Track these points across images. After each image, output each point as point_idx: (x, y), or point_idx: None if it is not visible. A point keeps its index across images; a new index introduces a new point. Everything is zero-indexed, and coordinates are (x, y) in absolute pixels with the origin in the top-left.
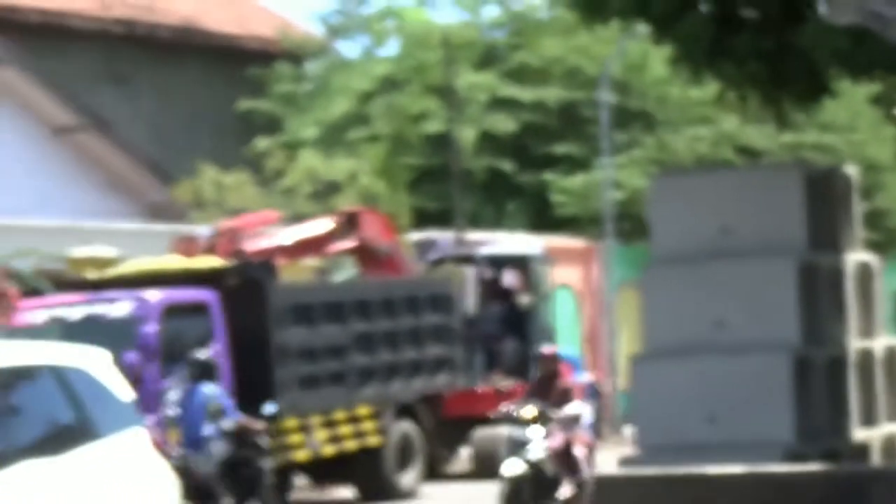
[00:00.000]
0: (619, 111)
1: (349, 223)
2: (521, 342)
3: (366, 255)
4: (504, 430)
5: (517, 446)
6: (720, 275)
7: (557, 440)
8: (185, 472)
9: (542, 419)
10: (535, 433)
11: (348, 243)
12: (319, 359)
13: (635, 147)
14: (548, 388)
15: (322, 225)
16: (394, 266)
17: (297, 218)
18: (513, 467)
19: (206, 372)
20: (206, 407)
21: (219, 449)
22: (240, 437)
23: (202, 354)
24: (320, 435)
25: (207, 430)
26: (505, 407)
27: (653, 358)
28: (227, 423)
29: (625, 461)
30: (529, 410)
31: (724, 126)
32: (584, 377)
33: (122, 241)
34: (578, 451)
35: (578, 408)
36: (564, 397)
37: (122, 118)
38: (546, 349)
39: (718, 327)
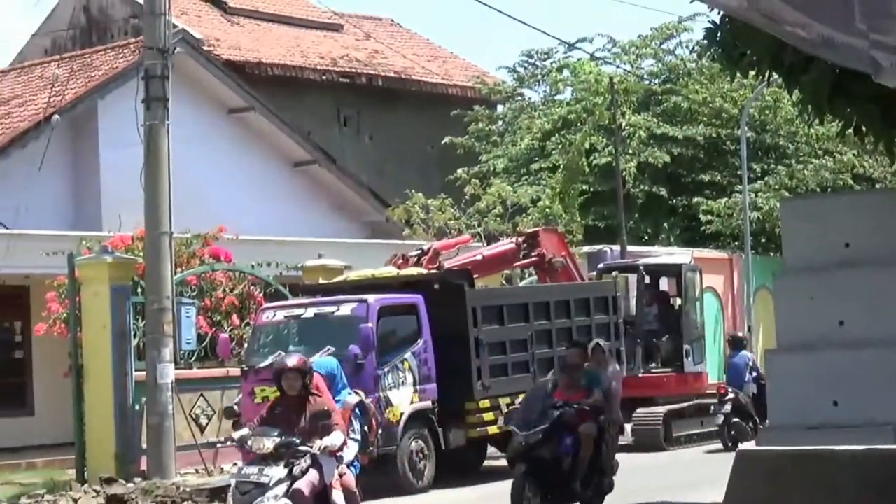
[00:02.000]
0: (756, 145)
1: (530, 241)
2: (674, 337)
3: (544, 267)
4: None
5: (247, 493)
6: (842, 282)
7: (305, 484)
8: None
9: (284, 454)
10: (275, 473)
11: (530, 259)
12: (508, 350)
13: (769, 175)
14: (296, 410)
15: (507, 244)
16: (568, 276)
17: (489, 236)
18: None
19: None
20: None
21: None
22: None
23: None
24: None
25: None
26: (237, 433)
27: (785, 351)
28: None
29: (761, 438)
30: (263, 442)
31: (844, 158)
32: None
33: (347, 254)
34: (337, 498)
35: (338, 439)
36: (320, 424)
37: (347, 153)
38: (291, 360)
39: (841, 326)
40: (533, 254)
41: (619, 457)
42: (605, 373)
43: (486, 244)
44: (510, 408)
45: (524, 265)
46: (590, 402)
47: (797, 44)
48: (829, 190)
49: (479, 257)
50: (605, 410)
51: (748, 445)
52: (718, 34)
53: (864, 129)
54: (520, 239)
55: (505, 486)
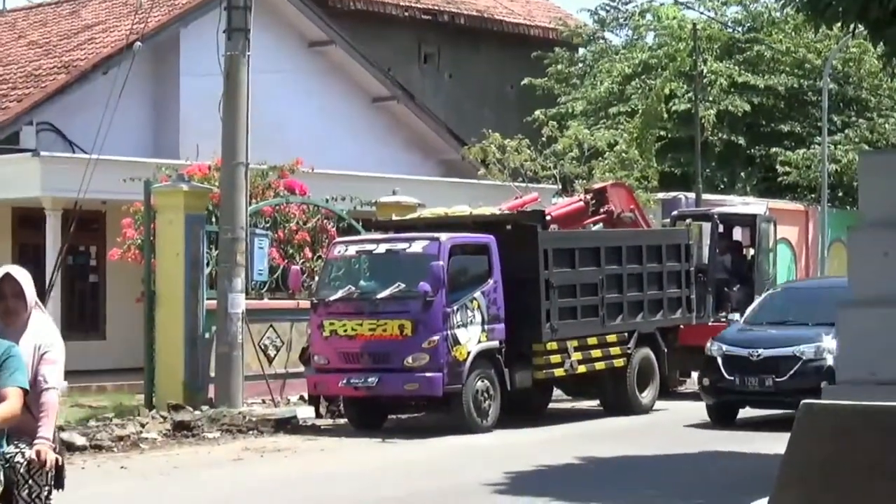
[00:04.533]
0: (838, 97)
1: (598, 197)
2: (746, 287)
3: (614, 223)
4: None
5: None
6: None
7: None
8: None
9: None
10: None
11: (599, 216)
12: (578, 294)
13: (850, 128)
14: None
15: (575, 202)
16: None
17: (564, 178)
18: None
19: None
20: None
21: None
22: None
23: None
24: (576, 356)
25: None
26: None
27: (856, 305)
28: None
29: (827, 392)
30: None
31: None
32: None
33: (421, 191)
34: None
35: None
36: None
37: (426, 91)
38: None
39: None
40: (602, 210)
41: (686, 403)
42: None
43: (561, 187)
44: None
45: (593, 222)
46: None
47: None
48: None
49: (548, 217)
50: None
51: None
52: None
53: None
54: (588, 196)
55: (568, 429)
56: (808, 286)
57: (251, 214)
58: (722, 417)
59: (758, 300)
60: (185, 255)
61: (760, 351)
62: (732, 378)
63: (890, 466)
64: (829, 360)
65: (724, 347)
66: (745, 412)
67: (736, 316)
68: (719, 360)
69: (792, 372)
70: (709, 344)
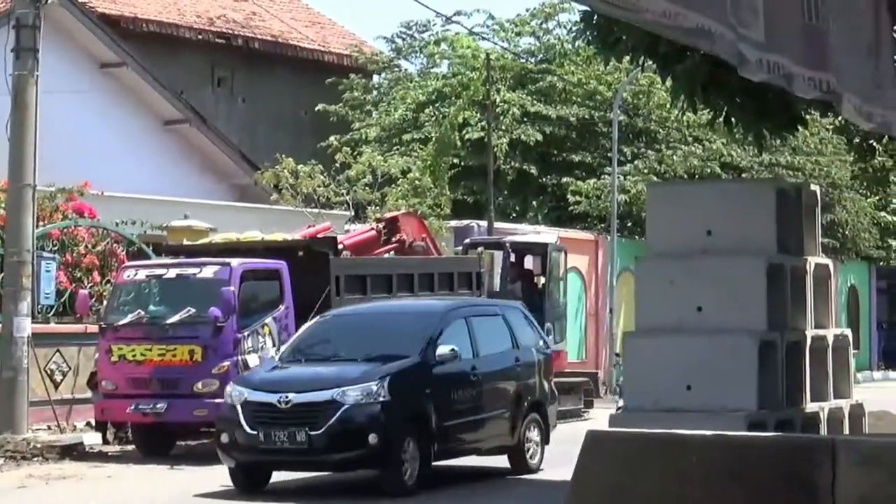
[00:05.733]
0: (628, 128)
1: (390, 226)
2: (537, 315)
3: (406, 252)
4: None
5: None
6: (703, 269)
7: None
8: None
9: None
10: None
11: (391, 244)
12: None
13: (639, 158)
14: None
15: (367, 231)
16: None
17: (357, 205)
18: None
19: None
20: None
21: None
22: None
23: None
24: None
25: None
26: None
27: (643, 334)
28: None
29: (613, 420)
30: None
31: (713, 146)
32: None
33: (213, 216)
34: None
35: None
36: None
37: (219, 115)
38: None
39: (699, 312)
40: (393, 239)
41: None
42: None
43: (353, 214)
44: None
45: (385, 251)
46: None
47: (663, 32)
48: (696, 177)
49: (341, 245)
50: None
51: (599, 426)
52: (595, 17)
53: (734, 120)
54: (380, 225)
55: None
56: (363, 312)
57: (38, 237)
58: (250, 484)
59: (300, 330)
60: None
61: (291, 396)
62: (256, 432)
63: (672, 493)
64: (381, 407)
65: (247, 393)
66: (283, 475)
67: (271, 350)
68: (239, 409)
69: (331, 422)
70: (228, 388)
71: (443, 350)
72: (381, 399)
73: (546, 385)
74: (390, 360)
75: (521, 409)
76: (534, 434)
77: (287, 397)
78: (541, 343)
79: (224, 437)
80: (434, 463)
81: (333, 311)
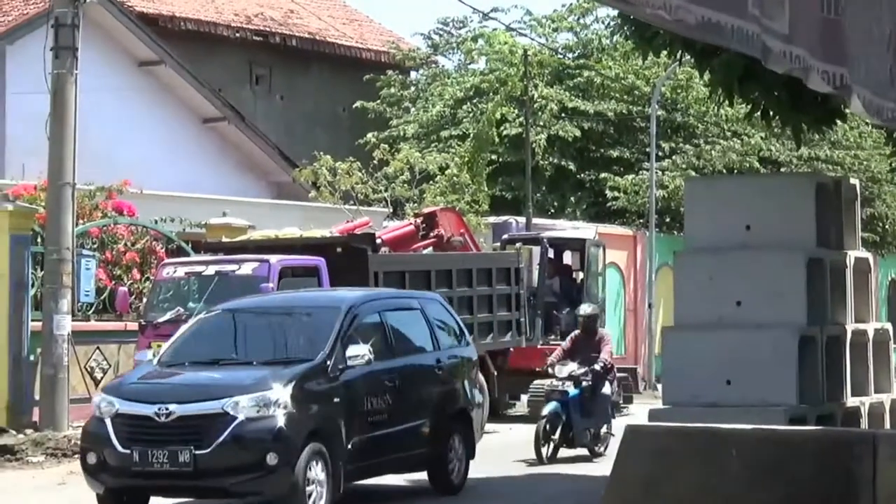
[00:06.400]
0: (666, 123)
1: (428, 222)
2: (574, 310)
3: (444, 247)
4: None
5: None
6: (741, 264)
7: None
8: None
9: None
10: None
11: (429, 240)
12: None
13: (677, 154)
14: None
15: (405, 226)
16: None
17: (395, 202)
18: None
19: None
20: None
21: None
22: None
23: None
24: None
25: None
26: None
27: (682, 329)
28: None
29: (652, 415)
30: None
31: (752, 140)
32: None
33: (251, 213)
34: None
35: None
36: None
37: (257, 112)
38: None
39: (738, 307)
40: (431, 234)
41: (517, 427)
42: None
43: (392, 210)
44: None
45: (423, 246)
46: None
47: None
48: (735, 172)
49: (379, 241)
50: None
51: (638, 421)
52: None
53: (771, 113)
54: (418, 220)
55: None
56: (260, 306)
57: (78, 235)
58: None
59: (183, 327)
60: (10, 276)
61: (172, 407)
62: (129, 451)
63: (711, 486)
64: (281, 420)
65: (118, 403)
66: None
67: (149, 353)
68: (109, 424)
69: (221, 440)
70: (96, 398)
71: (354, 351)
72: (281, 410)
73: (470, 390)
74: (292, 364)
75: (443, 418)
76: (457, 446)
77: (167, 409)
78: (463, 341)
79: (91, 458)
80: (347, 484)
81: (225, 304)
